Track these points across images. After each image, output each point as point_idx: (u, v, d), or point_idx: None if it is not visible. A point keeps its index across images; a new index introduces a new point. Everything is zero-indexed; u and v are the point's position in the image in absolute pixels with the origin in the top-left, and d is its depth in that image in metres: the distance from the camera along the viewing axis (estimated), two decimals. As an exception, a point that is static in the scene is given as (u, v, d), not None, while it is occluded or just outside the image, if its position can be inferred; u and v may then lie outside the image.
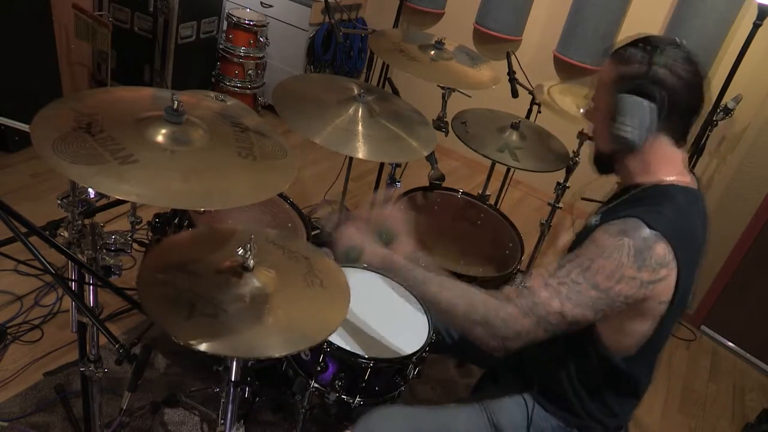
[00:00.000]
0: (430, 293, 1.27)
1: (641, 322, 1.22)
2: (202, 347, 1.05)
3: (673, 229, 1.17)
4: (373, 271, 1.80)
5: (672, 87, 1.18)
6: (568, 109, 2.24)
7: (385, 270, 1.35)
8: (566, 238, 1.74)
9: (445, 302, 1.24)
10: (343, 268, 1.65)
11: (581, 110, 1.39)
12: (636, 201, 1.25)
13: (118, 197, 0.92)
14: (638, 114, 1.20)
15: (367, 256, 1.36)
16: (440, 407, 1.42)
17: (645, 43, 1.22)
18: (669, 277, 1.17)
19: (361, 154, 1.63)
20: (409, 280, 1.31)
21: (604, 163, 1.35)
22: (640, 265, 1.14)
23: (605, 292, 1.15)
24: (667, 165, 1.26)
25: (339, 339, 1.51)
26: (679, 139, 1.25)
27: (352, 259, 1.37)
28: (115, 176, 0.93)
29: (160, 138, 1.05)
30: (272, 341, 1.12)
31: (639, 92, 1.19)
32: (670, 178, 1.26)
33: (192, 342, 1.04)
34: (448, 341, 1.67)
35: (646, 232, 1.15)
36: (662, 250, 1.15)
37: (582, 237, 1.29)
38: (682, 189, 1.25)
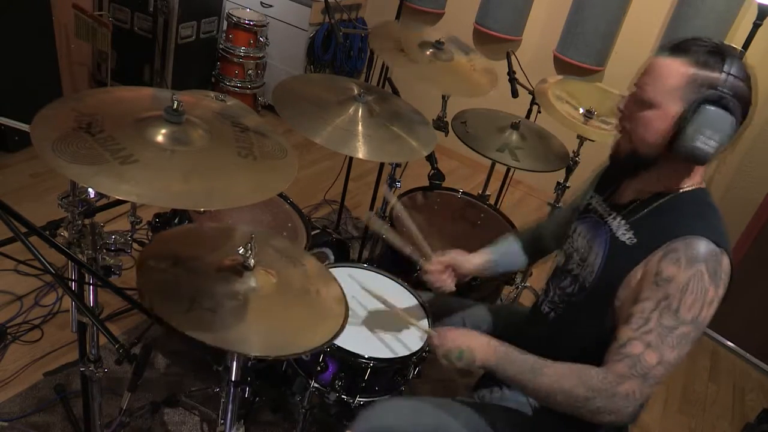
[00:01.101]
0: (542, 383, 1.20)
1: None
2: (201, 338, 1.06)
3: (726, 239, 1.17)
4: (373, 270, 1.80)
5: (745, 102, 1.15)
6: (570, 103, 2.24)
7: (496, 366, 1.26)
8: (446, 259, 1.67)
9: (550, 381, 1.19)
10: (342, 267, 1.65)
11: (619, 105, 1.25)
12: (677, 210, 1.22)
13: (118, 197, 0.92)
14: (720, 128, 1.13)
15: (477, 352, 1.28)
16: (442, 400, 1.42)
17: (720, 47, 1.15)
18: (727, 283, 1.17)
19: (361, 154, 1.63)
20: (517, 365, 1.24)
21: (637, 165, 1.25)
22: (717, 284, 1.13)
23: (694, 324, 1.13)
24: (699, 173, 1.25)
25: (339, 339, 1.51)
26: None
27: (456, 361, 1.30)
28: (115, 176, 0.94)
29: (160, 138, 1.05)
30: (264, 341, 1.13)
31: (722, 104, 1.12)
32: (695, 184, 1.24)
33: (191, 333, 1.05)
34: None
35: (713, 249, 1.13)
36: (728, 264, 1.15)
37: (619, 256, 1.24)
38: (707, 192, 1.25)
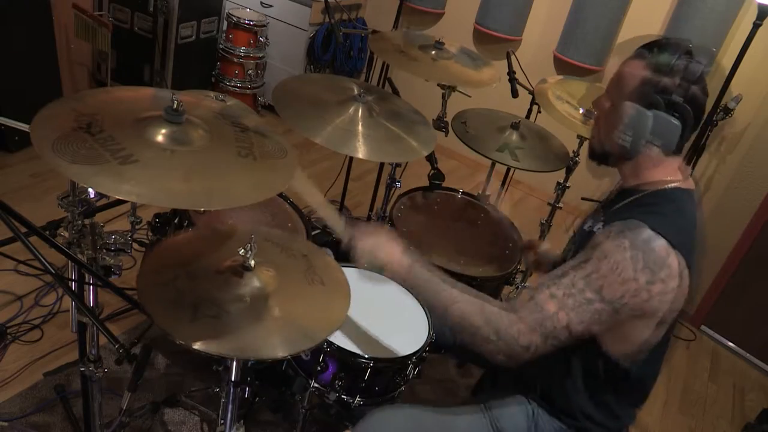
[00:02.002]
0: (445, 305, 1.24)
1: (645, 327, 1.21)
2: (208, 349, 1.05)
3: (675, 231, 1.16)
4: (373, 270, 1.80)
5: (699, 107, 1.17)
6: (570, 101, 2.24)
7: (406, 280, 1.29)
8: (545, 247, 1.75)
9: (459, 315, 1.22)
10: (342, 268, 1.65)
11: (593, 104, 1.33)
12: (637, 205, 1.24)
13: (118, 197, 0.92)
14: (666, 133, 1.18)
15: (389, 267, 1.30)
16: (441, 408, 1.42)
17: (676, 49, 1.17)
18: (671, 278, 1.15)
19: (361, 154, 1.63)
20: (428, 290, 1.27)
21: (599, 156, 1.34)
22: (640, 265, 1.13)
23: (610, 304, 1.14)
24: (665, 169, 1.25)
25: (339, 339, 1.51)
26: (680, 151, 1.25)
27: (375, 269, 1.32)
28: (115, 176, 0.93)
29: (160, 138, 1.05)
30: (277, 341, 1.13)
31: (672, 109, 1.16)
32: (672, 183, 1.24)
33: (197, 345, 1.05)
34: (449, 341, 1.67)
35: (647, 233, 1.14)
36: (664, 250, 1.14)
37: (582, 241, 1.28)
38: (683, 192, 1.24)
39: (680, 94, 1.16)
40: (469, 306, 1.21)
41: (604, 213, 1.33)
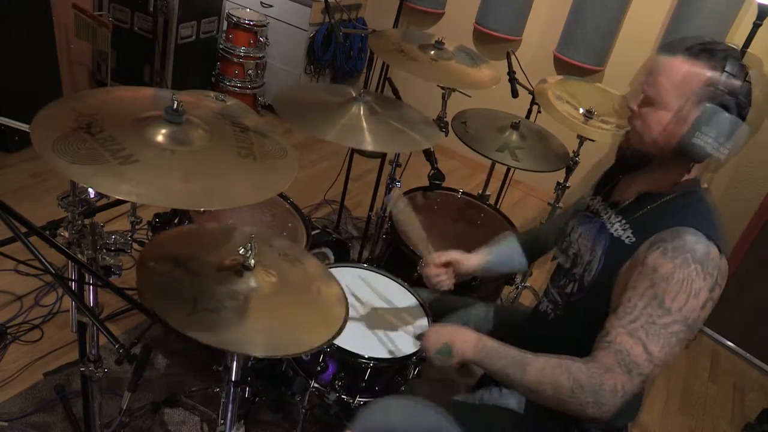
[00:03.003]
0: (528, 378, 1.20)
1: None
2: (204, 340, 1.06)
3: (721, 235, 1.15)
4: (373, 270, 1.80)
5: (748, 105, 1.15)
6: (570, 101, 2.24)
7: (476, 356, 1.27)
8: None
9: (538, 374, 1.19)
10: (342, 268, 1.65)
11: (630, 105, 1.26)
12: (674, 208, 1.21)
13: (118, 197, 0.92)
14: (732, 134, 1.14)
15: (458, 347, 1.30)
16: (441, 401, 1.41)
17: (729, 51, 1.15)
18: (724, 284, 1.15)
19: (369, 146, 1.63)
20: (503, 361, 1.24)
21: (640, 162, 1.26)
22: (704, 276, 1.11)
23: (684, 321, 1.11)
24: (696, 171, 1.24)
25: (339, 339, 1.51)
26: None
27: (447, 358, 1.32)
28: (115, 176, 0.93)
29: (160, 138, 1.05)
30: (266, 341, 1.13)
31: (732, 108, 1.13)
32: (694, 184, 1.23)
33: (194, 335, 1.05)
34: None
35: (703, 241, 1.12)
36: (724, 265, 1.13)
37: (617, 255, 1.23)
38: (706, 192, 1.24)
39: (745, 96, 1.13)
40: (547, 362, 1.19)
41: (625, 217, 1.28)
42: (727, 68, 1.13)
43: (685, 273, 1.10)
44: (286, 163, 1.16)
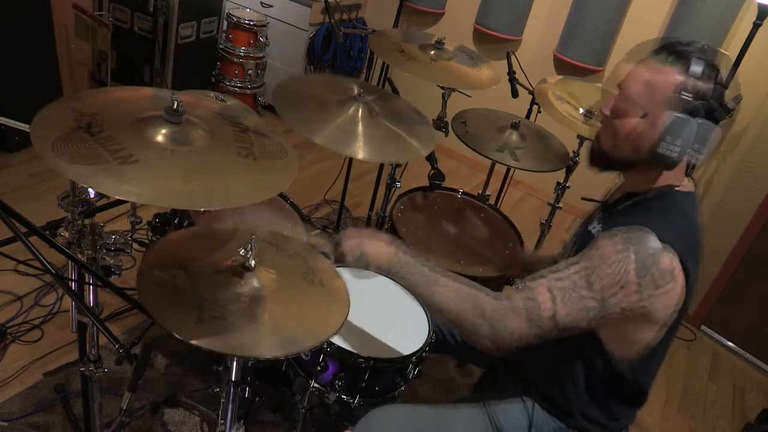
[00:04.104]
0: (436, 298, 1.23)
1: (648, 330, 1.20)
2: (213, 347, 1.05)
3: (681, 239, 1.15)
4: (373, 270, 1.80)
5: (717, 109, 1.14)
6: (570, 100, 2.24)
7: (390, 269, 1.28)
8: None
9: (446, 297, 1.21)
10: (342, 268, 1.65)
11: (603, 109, 1.27)
12: (642, 208, 1.23)
13: (118, 197, 0.92)
14: (703, 138, 1.13)
15: (373, 258, 1.30)
16: (441, 406, 1.42)
17: (710, 53, 1.14)
18: (676, 287, 1.15)
19: (361, 155, 1.63)
20: (414, 276, 1.26)
21: (608, 164, 1.29)
22: (643, 276, 1.11)
23: (601, 302, 1.13)
24: (675, 173, 1.24)
25: (339, 339, 1.51)
26: None
27: (361, 265, 1.31)
28: (115, 176, 0.93)
29: (160, 138, 1.05)
30: (277, 341, 1.12)
31: (695, 113, 1.12)
32: (674, 185, 1.24)
33: (201, 343, 1.05)
34: (451, 343, 1.67)
35: (653, 241, 1.12)
36: (669, 261, 1.13)
37: (582, 243, 1.27)
38: (684, 194, 1.24)
39: (716, 98, 1.13)
40: (457, 289, 1.21)
41: (604, 214, 1.32)
42: (692, 71, 1.13)
43: (622, 262, 1.12)
44: (286, 163, 1.16)
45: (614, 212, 1.28)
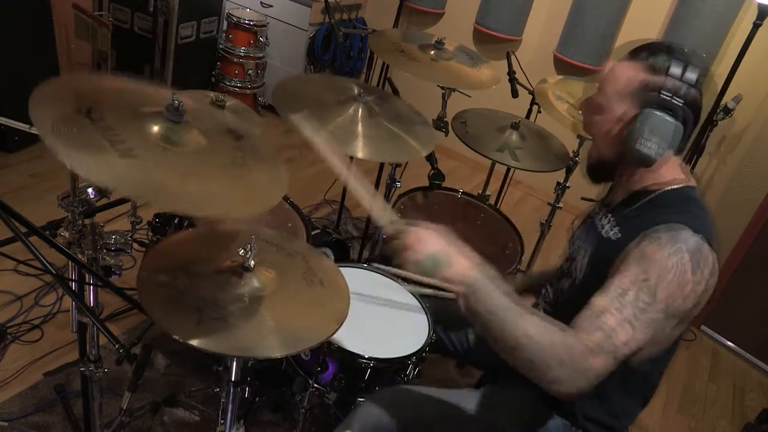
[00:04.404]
0: (509, 333, 1.06)
1: (680, 326, 1.19)
2: (213, 348, 1.05)
3: (711, 232, 1.15)
4: (373, 270, 1.80)
5: (696, 107, 1.15)
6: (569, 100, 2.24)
7: (470, 284, 1.10)
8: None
9: (527, 344, 1.05)
10: (342, 268, 1.65)
11: (580, 111, 1.29)
12: (662, 206, 1.21)
13: (119, 196, 0.92)
14: (665, 133, 1.14)
15: (453, 265, 1.12)
16: (445, 391, 1.41)
17: (674, 52, 1.16)
18: (714, 280, 1.14)
19: (361, 154, 1.63)
20: (495, 302, 1.08)
21: (604, 171, 1.29)
22: (696, 274, 1.10)
23: (665, 311, 1.10)
24: (677, 169, 1.24)
25: (339, 339, 1.51)
26: (681, 150, 1.24)
27: (429, 268, 1.11)
28: (114, 168, 0.93)
29: (158, 134, 1.04)
30: (278, 341, 1.12)
31: (668, 109, 1.13)
32: (681, 183, 1.23)
33: (202, 344, 1.04)
34: (450, 348, 1.68)
35: (696, 239, 1.12)
36: (710, 254, 1.13)
37: (605, 252, 1.23)
38: (694, 190, 1.24)
39: (682, 95, 1.14)
40: (538, 328, 1.06)
41: (614, 215, 1.30)
42: (658, 68, 1.15)
43: (678, 263, 1.10)
44: (276, 177, 1.16)
45: (628, 213, 1.26)
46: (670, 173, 1.24)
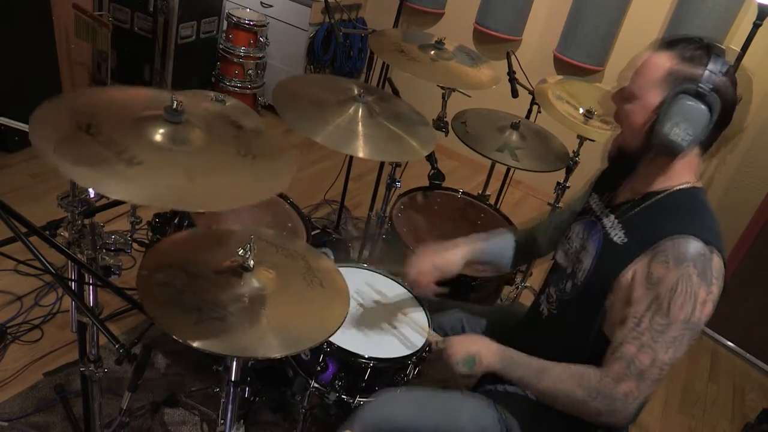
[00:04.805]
0: (543, 386, 1.26)
1: None
2: (213, 349, 1.05)
3: (717, 237, 1.16)
4: (373, 270, 1.80)
5: (726, 98, 1.14)
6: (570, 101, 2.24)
7: (500, 366, 1.32)
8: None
9: (554, 382, 1.24)
10: (341, 268, 1.66)
11: (613, 98, 1.29)
12: (667, 209, 1.22)
13: (129, 201, 0.93)
14: (695, 120, 1.13)
15: (484, 357, 1.33)
16: (447, 392, 1.42)
17: (706, 45, 1.16)
18: (722, 283, 1.16)
19: (362, 154, 1.63)
20: (523, 369, 1.29)
21: (628, 161, 1.27)
22: (708, 284, 1.13)
23: (686, 324, 1.13)
24: (691, 172, 1.23)
25: (339, 339, 1.51)
26: (706, 151, 1.23)
27: (470, 368, 1.35)
28: (122, 179, 0.93)
29: (160, 138, 1.04)
30: (277, 341, 1.12)
31: (699, 97, 1.13)
32: (693, 183, 1.23)
33: (201, 345, 1.05)
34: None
35: (702, 248, 1.13)
36: (718, 261, 1.15)
37: (610, 255, 1.24)
38: (703, 191, 1.24)
39: (718, 89, 1.13)
40: (564, 372, 1.23)
41: (618, 217, 1.29)
42: (692, 58, 1.14)
43: (688, 283, 1.12)
44: (284, 161, 1.16)
45: (633, 216, 1.26)
46: (684, 175, 1.23)
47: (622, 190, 1.34)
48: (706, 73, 1.13)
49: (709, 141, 1.20)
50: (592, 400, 1.18)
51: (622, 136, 1.27)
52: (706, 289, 1.13)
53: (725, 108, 1.15)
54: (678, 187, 1.22)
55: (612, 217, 1.30)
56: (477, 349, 1.34)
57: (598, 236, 1.30)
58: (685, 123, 1.14)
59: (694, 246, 1.13)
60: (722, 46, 1.17)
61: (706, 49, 1.15)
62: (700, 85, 1.13)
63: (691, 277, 1.12)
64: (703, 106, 1.13)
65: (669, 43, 1.19)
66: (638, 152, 1.23)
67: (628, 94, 1.22)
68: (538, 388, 1.27)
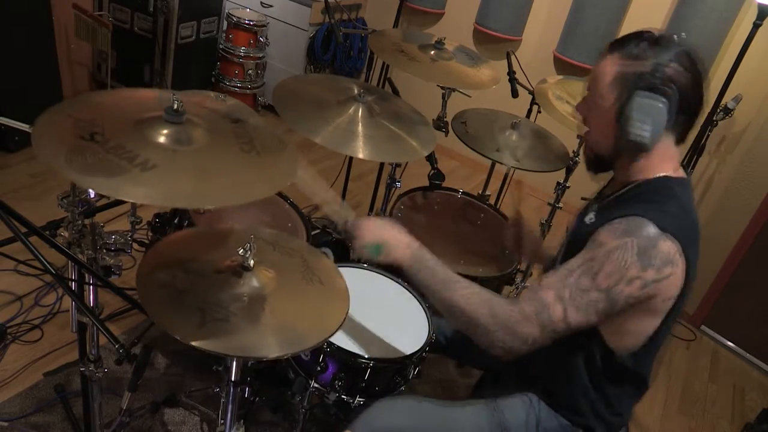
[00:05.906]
0: (447, 297, 1.23)
1: (647, 319, 1.22)
2: (213, 349, 1.05)
3: (679, 225, 1.16)
4: (373, 270, 1.80)
5: (682, 84, 1.15)
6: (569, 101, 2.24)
7: (408, 263, 1.28)
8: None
9: (464, 303, 1.21)
10: (342, 268, 1.66)
11: (578, 110, 1.32)
12: (635, 197, 1.24)
13: (149, 204, 0.93)
14: (652, 113, 1.15)
15: (393, 248, 1.28)
16: (445, 402, 1.42)
17: (650, 37, 1.17)
18: (676, 274, 1.16)
19: (361, 154, 1.63)
20: (432, 274, 1.26)
21: (602, 163, 1.31)
22: (645, 264, 1.13)
23: (606, 293, 1.14)
24: (668, 162, 1.25)
25: (339, 339, 1.51)
26: (681, 139, 1.24)
27: (374, 255, 1.29)
28: (142, 184, 0.94)
29: (165, 140, 1.04)
30: (277, 341, 1.12)
31: (651, 90, 1.14)
32: (668, 173, 1.24)
33: (204, 345, 1.05)
34: (442, 341, 1.67)
35: (651, 230, 1.14)
36: (668, 247, 1.14)
37: (579, 236, 1.27)
38: (678, 181, 1.24)
39: (667, 76, 1.15)
40: (474, 292, 1.22)
41: (598, 205, 1.33)
42: (636, 54, 1.16)
43: (622, 253, 1.13)
44: (287, 155, 1.17)
45: (607, 203, 1.30)
46: (661, 166, 1.24)
47: (612, 184, 1.38)
48: (654, 65, 1.15)
49: (682, 128, 1.21)
50: (492, 330, 1.17)
51: (590, 143, 1.31)
52: (639, 268, 1.13)
53: (684, 94, 1.16)
54: (652, 177, 1.25)
55: (595, 206, 1.35)
56: (387, 239, 1.29)
57: (578, 225, 1.36)
58: (643, 120, 1.16)
59: (644, 226, 1.14)
60: (670, 34, 1.18)
61: (650, 41, 1.17)
62: (650, 79, 1.15)
63: (629, 251, 1.13)
64: (657, 100, 1.15)
65: (616, 44, 1.21)
66: (611, 155, 1.27)
67: (589, 102, 1.26)
68: (441, 296, 1.24)
